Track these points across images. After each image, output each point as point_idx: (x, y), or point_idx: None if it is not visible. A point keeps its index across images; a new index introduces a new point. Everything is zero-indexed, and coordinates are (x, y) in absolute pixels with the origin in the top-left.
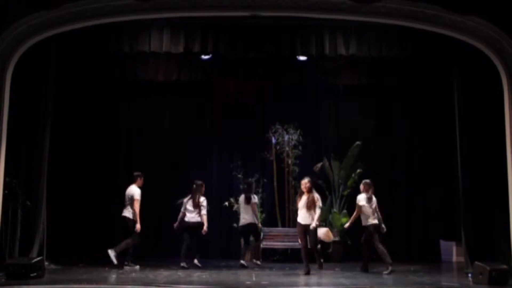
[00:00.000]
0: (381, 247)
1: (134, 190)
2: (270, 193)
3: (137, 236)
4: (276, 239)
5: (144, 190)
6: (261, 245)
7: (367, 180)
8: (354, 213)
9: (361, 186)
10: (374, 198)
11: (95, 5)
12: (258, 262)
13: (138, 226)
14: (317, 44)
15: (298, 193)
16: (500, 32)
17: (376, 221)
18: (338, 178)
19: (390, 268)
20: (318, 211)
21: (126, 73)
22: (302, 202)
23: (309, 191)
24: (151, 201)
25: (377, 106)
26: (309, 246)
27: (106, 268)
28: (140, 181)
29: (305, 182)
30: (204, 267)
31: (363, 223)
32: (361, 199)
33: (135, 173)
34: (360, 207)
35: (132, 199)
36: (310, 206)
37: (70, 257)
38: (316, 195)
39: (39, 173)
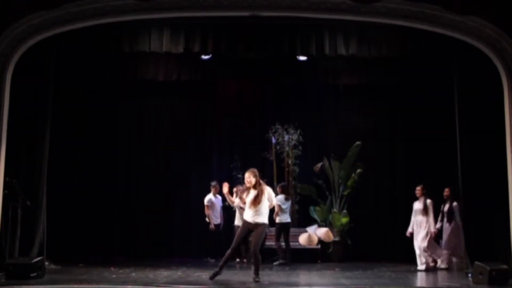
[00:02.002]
0: (279, 243)
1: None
2: None
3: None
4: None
5: (144, 190)
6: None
7: (284, 183)
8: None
9: (278, 189)
10: (290, 200)
11: (95, 5)
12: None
13: (210, 226)
14: (317, 44)
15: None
16: (500, 32)
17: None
18: (338, 178)
19: (280, 261)
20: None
21: (126, 73)
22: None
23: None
24: (151, 201)
25: (377, 106)
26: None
27: (112, 268)
28: (213, 189)
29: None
30: (204, 267)
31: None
32: (279, 199)
33: (211, 183)
34: (279, 206)
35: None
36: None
37: (70, 257)
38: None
39: (39, 173)
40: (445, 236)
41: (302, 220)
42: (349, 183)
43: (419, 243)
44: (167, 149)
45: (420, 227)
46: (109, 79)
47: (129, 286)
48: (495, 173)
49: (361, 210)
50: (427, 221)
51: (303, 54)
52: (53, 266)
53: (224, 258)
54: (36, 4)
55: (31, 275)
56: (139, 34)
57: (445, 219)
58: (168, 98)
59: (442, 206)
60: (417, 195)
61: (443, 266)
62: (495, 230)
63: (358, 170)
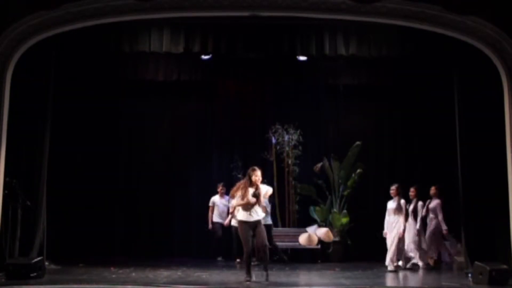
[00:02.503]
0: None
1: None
2: None
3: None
4: (276, 239)
5: (144, 190)
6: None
7: None
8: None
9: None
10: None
11: (95, 5)
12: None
13: (209, 226)
14: (317, 44)
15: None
16: (500, 32)
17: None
18: (338, 178)
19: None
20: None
21: (126, 73)
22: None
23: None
24: (151, 201)
25: (377, 106)
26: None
27: (112, 268)
28: (219, 190)
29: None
30: (204, 267)
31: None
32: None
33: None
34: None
35: None
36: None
37: (70, 257)
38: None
39: (39, 173)
40: (410, 235)
41: (302, 220)
42: (349, 183)
43: (391, 242)
44: (167, 149)
45: (394, 227)
46: (109, 79)
47: (129, 286)
48: (495, 173)
49: (361, 210)
50: (398, 221)
51: (303, 54)
52: (53, 266)
53: (246, 264)
54: (36, 4)
55: (31, 275)
56: (139, 34)
57: (409, 219)
58: (168, 98)
59: (408, 205)
60: (392, 194)
61: (410, 266)
62: (495, 230)
63: (358, 170)
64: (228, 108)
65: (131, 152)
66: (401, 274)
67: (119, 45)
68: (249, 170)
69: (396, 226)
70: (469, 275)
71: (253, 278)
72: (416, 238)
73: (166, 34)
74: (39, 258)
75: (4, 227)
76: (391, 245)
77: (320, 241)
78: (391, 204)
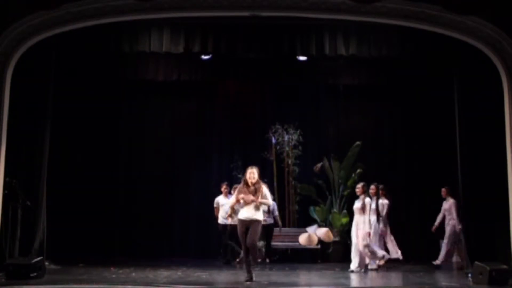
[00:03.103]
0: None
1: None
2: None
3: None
4: (276, 239)
5: (144, 190)
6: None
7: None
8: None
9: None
10: None
11: (95, 5)
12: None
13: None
14: (317, 44)
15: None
16: (500, 32)
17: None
18: (338, 178)
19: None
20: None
21: (126, 73)
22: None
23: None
24: (151, 201)
25: (377, 106)
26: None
27: (112, 268)
28: (222, 189)
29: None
30: (204, 267)
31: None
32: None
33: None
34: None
35: None
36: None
37: (70, 257)
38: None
39: (39, 173)
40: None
41: (302, 220)
42: (349, 183)
43: (358, 242)
44: (167, 149)
45: (358, 227)
46: (109, 79)
47: (129, 286)
48: (495, 173)
49: None
50: (364, 221)
51: (303, 54)
52: (53, 266)
53: (245, 263)
54: (36, 4)
55: (31, 275)
56: (139, 34)
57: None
58: (168, 98)
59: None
60: (358, 193)
61: (374, 266)
62: (495, 230)
63: (358, 170)
64: (228, 108)
65: (131, 152)
66: (401, 274)
67: (119, 45)
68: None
69: (361, 227)
70: (469, 275)
71: (253, 278)
72: (375, 237)
73: (166, 34)
74: (39, 258)
75: (4, 227)
76: (357, 245)
77: (320, 241)
78: (356, 203)
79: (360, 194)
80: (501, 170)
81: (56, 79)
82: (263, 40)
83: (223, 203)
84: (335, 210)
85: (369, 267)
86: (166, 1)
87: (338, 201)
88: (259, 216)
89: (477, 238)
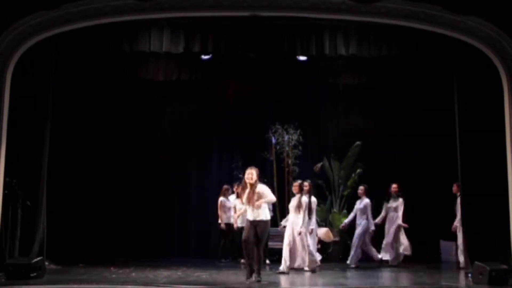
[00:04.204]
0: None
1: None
2: None
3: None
4: (276, 239)
5: (144, 190)
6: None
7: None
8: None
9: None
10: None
11: (95, 5)
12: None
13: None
14: (317, 44)
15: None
16: (500, 32)
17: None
18: (338, 178)
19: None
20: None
21: (126, 73)
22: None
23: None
24: (151, 201)
25: (377, 106)
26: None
27: (112, 268)
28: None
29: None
30: (204, 267)
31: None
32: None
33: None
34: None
35: None
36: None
37: (70, 257)
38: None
39: (39, 173)
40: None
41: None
42: (349, 183)
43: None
44: (167, 149)
45: (293, 226)
46: (109, 79)
47: (129, 286)
48: (495, 173)
49: None
50: (297, 219)
51: (303, 54)
52: (53, 266)
53: (255, 264)
54: (36, 4)
55: (31, 275)
56: (139, 34)
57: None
58: (168, 98)
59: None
60: (294, 191)
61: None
62: (495, 230)
63: (358, 170)
64: (228, 108)
65: (131, 152)
66: (401, 274)
67: (119, 45)
68: None
69: (292, 226)
70: (469, 275)
71: (253, 278)
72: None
73: (166, 34)
74: (39, 258)
75: (4, 227)
76: (288, 245)
77: (320, 241)
78: (292, 202)
79: (297, 193)
80: (501, 170)
81: (56, 79)
82: (263, 40)
83: (227, 203)
84: (335, 210)
85: (281, 269)
86: (166, 1)
87: (338, 201)
88: (263, 215)
89: (477, 238)
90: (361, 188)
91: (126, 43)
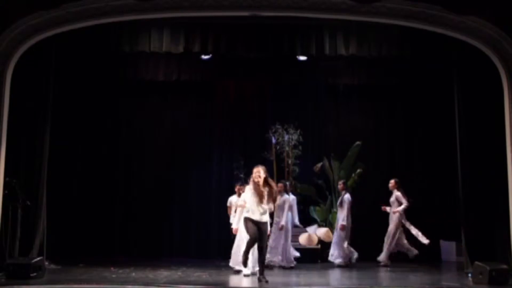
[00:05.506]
0: None
1: None
2: None
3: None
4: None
5: (144, 190)
6: None
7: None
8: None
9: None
10: None
11: (95, 5)
12: None
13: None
14: (317, 44)
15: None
16: (500, 32)
17: None
18: (338, 178)
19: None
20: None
21: (126, 73)
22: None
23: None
24: (151, 201)
25: (377, 106)
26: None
27: (112, 268)
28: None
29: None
30: (204, 267)
31: None
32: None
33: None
34: None
35: None
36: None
37: (70, 257)
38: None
39: (39, 173)
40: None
41: (302, 220)
42: (349, 183)
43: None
44: (167, 149)
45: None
46: (109, 79)
47: (129, 286)
48: (495, 173)
49: (361, 210)
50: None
51: (303, 54)
52: (53, 266)
53: (259, 264)
54: (36, 4)
55: (31, 275)
56: (139, 34)
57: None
58: (168, 98)
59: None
60: (279, 190)
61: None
62: (495, 230)
63: (358, 170)
64: (228, 108)
65: (131, 152)
66: (401, 274)
67: (119, 45)
68: None
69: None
70: (469, 275)
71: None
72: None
73: (166, 34)
74: (39, 258)
75: (4, 227)
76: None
77: (320, 241)
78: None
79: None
80: (501, 170)
81: (56, 79)
82: (263, 40)
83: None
84: (335, 210)
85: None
86: (166, 1)
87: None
88: (266, 217)
89: (477, 238)
90: (340, 183)
91: (126, 43)
